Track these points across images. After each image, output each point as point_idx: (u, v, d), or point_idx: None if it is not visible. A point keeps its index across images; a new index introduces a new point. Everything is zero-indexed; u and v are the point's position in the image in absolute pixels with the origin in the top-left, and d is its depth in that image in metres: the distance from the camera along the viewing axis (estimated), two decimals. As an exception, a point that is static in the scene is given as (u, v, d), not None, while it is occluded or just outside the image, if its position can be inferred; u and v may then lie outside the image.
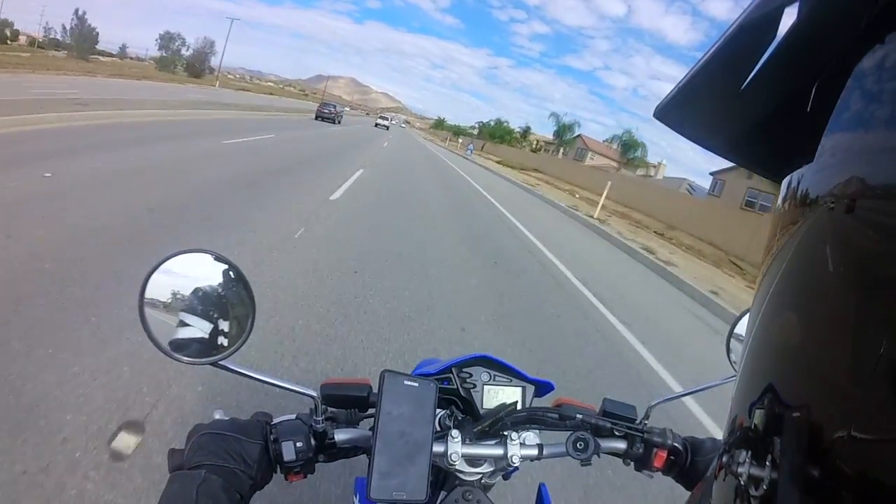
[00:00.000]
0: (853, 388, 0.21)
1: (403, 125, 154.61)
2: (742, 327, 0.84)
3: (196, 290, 0.59)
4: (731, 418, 0.30)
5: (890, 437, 0.19)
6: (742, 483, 0.26)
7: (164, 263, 0.59)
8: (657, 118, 0.33)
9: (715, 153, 0.35)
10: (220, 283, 0.61)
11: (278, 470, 0.68)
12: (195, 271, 0.60)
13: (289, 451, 0.66)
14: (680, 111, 0.33)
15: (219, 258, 0.61)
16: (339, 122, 38.88)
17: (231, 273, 0.62)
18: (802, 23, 0.27)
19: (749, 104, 0.31)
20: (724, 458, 0.29)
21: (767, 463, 0.24)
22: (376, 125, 59.81)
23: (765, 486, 0.24)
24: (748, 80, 0.29)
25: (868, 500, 0.19)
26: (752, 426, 0.26)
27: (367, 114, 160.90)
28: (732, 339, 0.86)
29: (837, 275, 0.23)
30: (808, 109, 0.28)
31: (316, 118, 35.58)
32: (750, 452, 0.26)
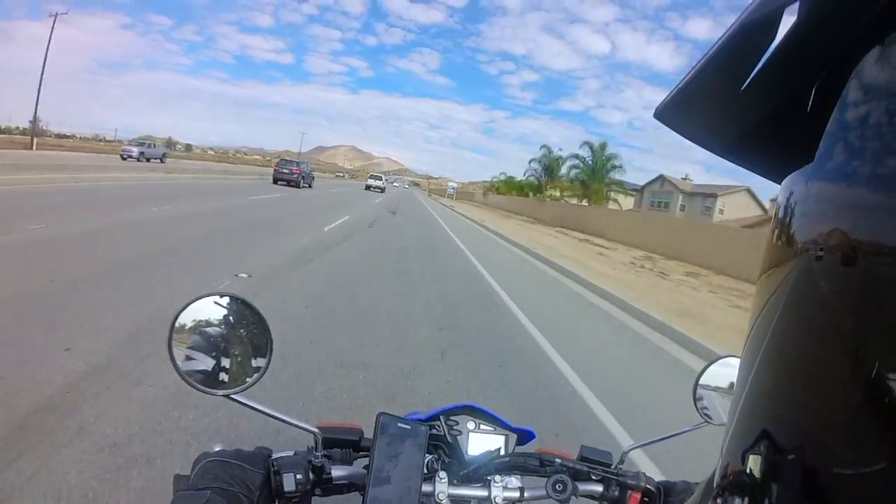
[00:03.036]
0: (849, 430, 0.21)
1: (407, 186, 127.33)
2: (710, 377, 0.88)
3: (216, 329, 0.66)
4: (721, 463, 0.30)
5: (887, 479, 0.19)
6: None
7: (194, 303, 0.66)
8: (657, 119, 0.33)
9: (715, 154, 0.34)
10: (239, 324, 0.68)
11: (277, 501, 0.70)
12: (217, 310, 0.67)
13: (289, 482, 0.69)
14: (680, 112, 0.33)
15: (241, 301, 0.68)
16: (310, 186, 30.87)
17: (252, 316, 0.68)
18: (802, 23, 0.27)
19: (749, 105, 0.30)
20: (718, 502, 0.29)
21: None
22: (367, 188, 49.06)
23: None
24: (748, 80, 0.29)
25: None
26: (748, 471, 0.26)
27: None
28: (699, 388, 0.89)
29: (829, 323, 0.23)
30: (808, 110, 0.28)
31: (274, 182, 27.96)
32: (746, 499, 0.26)
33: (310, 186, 30.78)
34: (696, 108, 0.33)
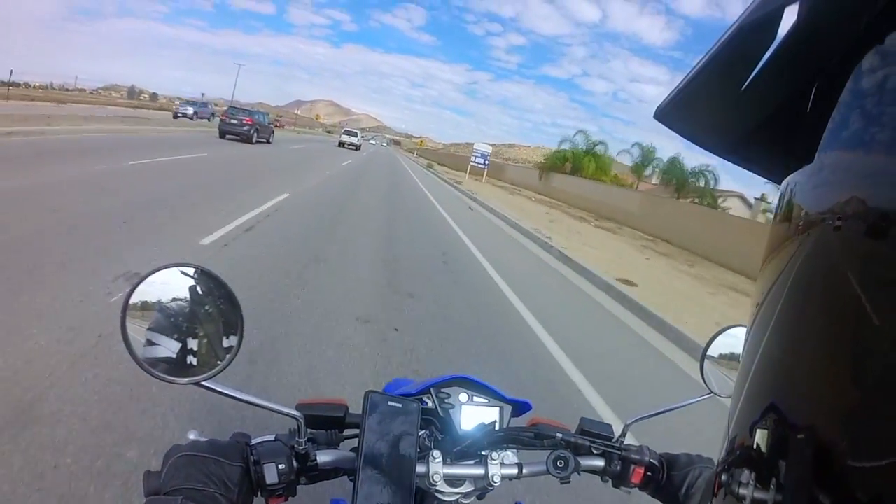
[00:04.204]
0: (860, 409, 0.20)
1: (385, 144, 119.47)
2: (717, 347, 0.86)
3: (178, 306, 0.58)
4: (729, 436, 0.29)
5: None
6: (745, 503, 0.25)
7: (150, 277, 0.57)
8: (657, 119, 0.33)
9: (715, 154, 0.34)
10: (204, 299, 0.60)
11: (259, 493, 0.66)
12: (178, 284, 0.58)
13: (271, 473, 0.65)
14: (680, 112, 0.33)
15: (206, 273, 0.60)
16: (268, 141, 24.48)
17: (219, 289, 0.60)
18: (802, 23, 0.27)
19: (749, 105, 0.30)
20: (724, 477, 0.29)
21: (772, 486, 0.24)
22: (340, 144, 42.58)
23: None
24: (748, 80, 0.29)
25: None
26: (755, 446, 0.26)
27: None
28: (707, 360, 0.86)
29: (844, 294, 0.22)
30: (808, 110, 0.28)
31: (221, 135, 21.25)
32: (753, 474, 0.26)
33: (267, 141, 24.49)
34: (696, 108, 0.33)
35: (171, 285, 0.58)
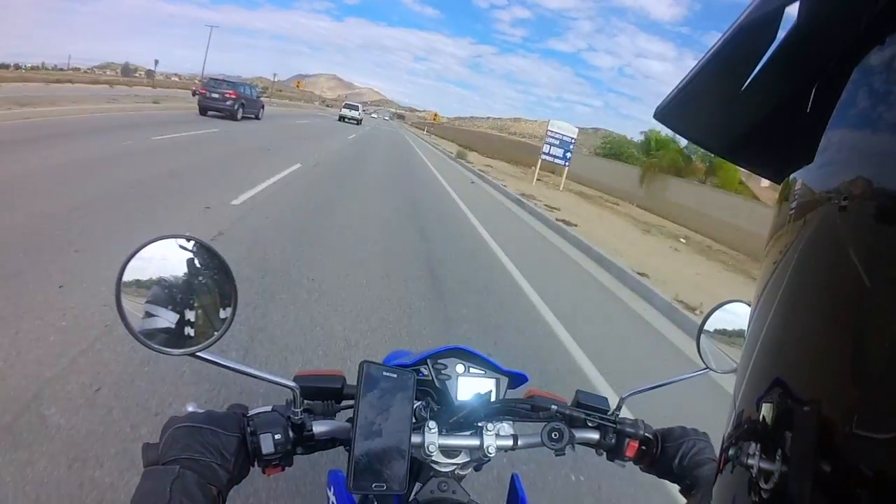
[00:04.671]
0: (865, 382, 0.21)
1: (387, 118, 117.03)
2: (714, 322, 0.85)
3: (173, 278, 0.58)
4: (735, 412, 0.30)
5: None
6: (752, 474, 0.26)
7: (143, 249, 0.57)
8: (657, 119, 0.33)
9: (715, 154, 0.34)
10: (199, 271, 0.60)
11: (256, 463, 0.67)
12: (173, 257, 0.58)
13: (267, 443, 0.65)
14: (680, 112, 0.33)
15: (199, 244, 0.60)
16: (256, 117, 21.14)
17: (212, 261, 0.60)
18: (802, 23, 0.27)
19: (749, 105, 0.30)
20: (731, 451, 0.29)
21: (777, 457, 0.24)
22: (341, 119, 40.37)
23: (775, 480, 0.24)
24: (748, 80, 0.29)
25: (881, 496, 0.19)
26: (761, 419, 0.26)
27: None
28: (703, 335, 0.86)
29: (849, 271, 0.22)
30: (809, 110, 0.28)
31: (202, 112, 18.18)
32: (759, 445, 0.26)
33: (256, 117, 21.28)
34: (696, 108, 0.33)
35: (167, 258, 0.58)
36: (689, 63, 0.36)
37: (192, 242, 0.59)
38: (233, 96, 18.48)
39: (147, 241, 0.57)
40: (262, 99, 22.66)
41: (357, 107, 44.03)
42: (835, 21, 0.26)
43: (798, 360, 0.25)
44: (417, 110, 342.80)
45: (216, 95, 18.26)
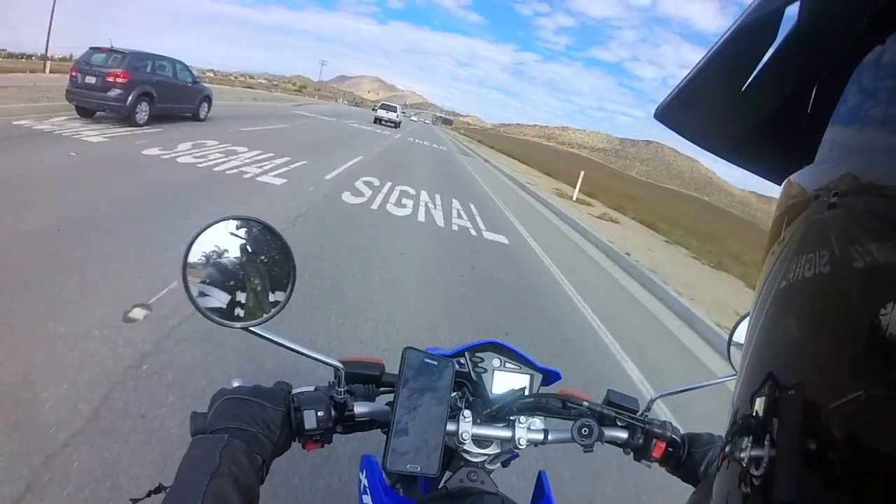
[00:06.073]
0: (836, 361, 0.21)
1: (428, 121, 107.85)
2: (742, 331, 0.85)
3: (236, 256, 0.60)
4: (732, 413, 0.30)
5: (879, 407, 0.19)
6: (744, 465, 0.26)
7: (209, 229, 0.60)
8: (657, 119, 0.33)
9: (715, 154, 0.34)
10: (261, 250, 0.62)
11: (297, 438, 0.69)
12: (238, 237, 0.61)
13: (310, 419, 0.67)
14: (680, 112, 0.33)
15: (264, 226, 0.62)
16: (199, 117, 12.17)
17: (274, 241, 0.62)
18: (802, 23, 0.27)
19: (749, 105, 0.30)
20: (727, 449, 0.29)
21: (766, 443, 0.25)
22: (376, 121, 34.80)
23: (765, 465, 0.24)
24: (749, 81, 0.29)
25: (862, 467, 0.19)
26: (754, 413, 0.27)
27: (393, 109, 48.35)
28: (732, 344, 0.87)
29: (836, 268, 0.23)
30: (808, 110, 0.28)
31: (79, 112, 9.72)
32: (751, 437, 0.26)
33: (195, 117, 12.23)
34: (696, 108, 0.33)
35: (228, 238, 0.60)
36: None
37: (257, 224, 0.62)
38: (123, 80, 9.48)
39: (211, 222, 0.60)
40: (204, 85, 13.18)
41: (395, 108, 38.61)
42: (835, 21, 0.26)
43: (787, 351, 0.26)
44: (460, 115, 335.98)
45: (92, 80, 9.53)
